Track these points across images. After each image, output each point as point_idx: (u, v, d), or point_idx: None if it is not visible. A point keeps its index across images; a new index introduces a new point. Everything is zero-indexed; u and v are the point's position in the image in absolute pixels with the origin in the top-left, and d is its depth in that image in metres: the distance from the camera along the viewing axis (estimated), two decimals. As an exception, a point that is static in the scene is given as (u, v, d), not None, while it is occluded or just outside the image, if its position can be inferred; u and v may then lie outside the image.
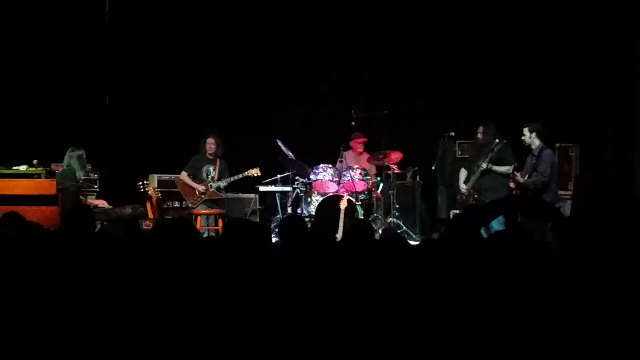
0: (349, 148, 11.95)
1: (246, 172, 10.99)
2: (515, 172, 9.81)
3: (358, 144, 11.89)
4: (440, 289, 4.10)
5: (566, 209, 10.43)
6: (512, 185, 9.84)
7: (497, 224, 9.49)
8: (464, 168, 10.48)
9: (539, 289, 3.93)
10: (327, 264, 4.75)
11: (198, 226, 10.49)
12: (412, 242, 11.02)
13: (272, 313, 4.01)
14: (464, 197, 10.35)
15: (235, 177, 11.03)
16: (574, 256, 4.43)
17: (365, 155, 11.88)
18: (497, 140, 10.02)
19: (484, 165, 10.03)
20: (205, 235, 10.00)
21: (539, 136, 9.79)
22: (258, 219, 11.97)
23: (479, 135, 10.24)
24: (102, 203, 10.33)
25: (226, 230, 5.20)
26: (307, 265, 4.65)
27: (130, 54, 12.46)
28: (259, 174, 11.07)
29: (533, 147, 9.80)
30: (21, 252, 4.55)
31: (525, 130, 9.79)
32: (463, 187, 10.30)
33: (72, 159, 10.13)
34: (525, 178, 9.69)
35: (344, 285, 4.27)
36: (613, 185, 10.87)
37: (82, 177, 10.23)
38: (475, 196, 10.15)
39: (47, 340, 3.86)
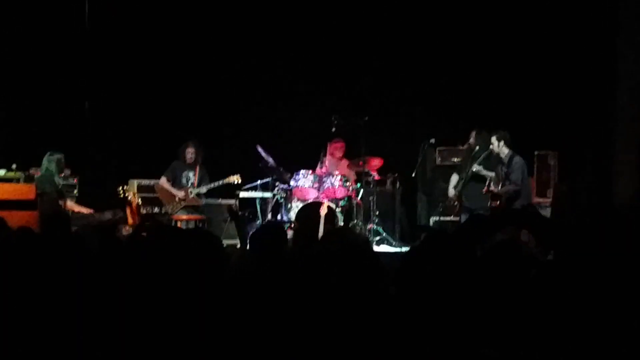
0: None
1: (226, 179, 10.97)
2: (492, 184, 9.84)
3: (336, 149, 11.87)
4: (424, 297, 4.10)
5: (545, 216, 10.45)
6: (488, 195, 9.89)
7: None
8: (456, 173, 10.51)
9: (526, 299, 3.95)
10: (306, 271, 4.74)
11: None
12: (391, 249, 11.11)
13: (249, 320, 4.00)
14: (450, 202, 10.40)
15: (216, 184, 11.00)
16: (559, 265, 4.44)
17: (345, 162, 11.87)
18: (490, 147, 10.04)
19: (475, 168, 10.07)
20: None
21: (506, 144, 9.85)
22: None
23: (471, 140, 10.28)
24: (87, 210, 10.27)
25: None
26: (284, 272, 4.65)
27: (109, 60, 12.45)
28: (240, 181, 11.05)
29: (502, 155, 9.84)
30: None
31: (493, 139, 9.86)
32: (451, 192, 10.35)
33: (50, 163, 10.08)
34: (499, 188, 9.73)
35: (323, 292, 4.27)
36: (592, 192, 10.92)
37: (61, 182, 10.18)
38: (455, 203, 10.20)
39: (23, 345, 3.84)
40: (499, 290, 4.03)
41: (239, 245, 6.75)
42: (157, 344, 3.84)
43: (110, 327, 3.93)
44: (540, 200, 11.47)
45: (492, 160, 10.05)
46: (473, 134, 10.32)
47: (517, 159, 9.82)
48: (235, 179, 10.96)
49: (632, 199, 10.37)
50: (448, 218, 11.34)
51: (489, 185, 9.81)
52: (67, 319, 3.98)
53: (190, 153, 10.94)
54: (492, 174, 9.97)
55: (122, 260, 4.45)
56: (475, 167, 10.07)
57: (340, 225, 10.74)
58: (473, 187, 10.09)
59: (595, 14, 11.15)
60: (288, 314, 4.00)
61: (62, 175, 10.32)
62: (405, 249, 10.69)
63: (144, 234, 5.61)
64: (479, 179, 10.04)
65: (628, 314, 3.80)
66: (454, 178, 10.47)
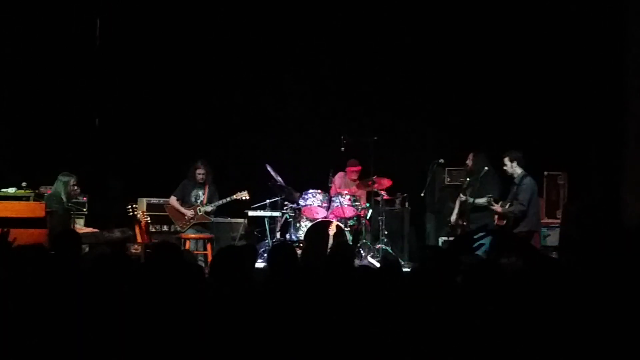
0: (339, 171, 11.94)
1: (234, 195, 10.96)
2: (493, 203, 9.82)
3: (352, 171, 11.87)
4: (426, 316, 4.10)
5: (554, 237, 10.46)
6: (496, 217, 9.88)
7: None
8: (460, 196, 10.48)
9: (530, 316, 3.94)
10: (315, 289, 4.75)
11: (186, 250, 10.45)
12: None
13: (259, 339, 4.01)
14: (453, 225, 10.40)
15: (224, 201, 10.99)
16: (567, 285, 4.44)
17: (356, 182, 11.87)
18: (486, 168, 10.06)
19: (463, 198, 10.09)
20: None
21: (520, 164, 9.83)
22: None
23: (468, 162, 10.27)
24: (92, 230, 10.29)
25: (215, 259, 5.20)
26: (295, 291, 4.66)
27: (119, 78, 12.49)
28: (248, 197, 11.04)
29: (515, 175, 9.82)
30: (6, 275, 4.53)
31: (506, 160, 9.83)
32: (453, 217, 10.36)
33: (58, 183, 10.13)
34: (506, 207, 9.71)
35: (332, 310, 4.28)
36: (601, 213, 10.89)
37: (69, 203, 10.20)
38: (464, 223, 10.19)
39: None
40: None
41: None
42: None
43: (118, 344, 3.94)
44: (550, 220, 11.44)
45: (485, 182, 10.03)
46: (471, 155, 10.28)
47: (528, 180, 9.80)
48: (244, 195, 10.96)
49: (640, 218, 10.36)
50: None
51: (491, 204, 9.77)
52: (73, 336, 4.00)
53: (200, 173, 10.94)
54: (481, 201, 9.93)
55: (132, 277, 4.47)
56: (464, 198, 10.09)
57: (340, 240, 10.69)
58: (476, 209, 10.07)
59: (603, 34, 11.16)
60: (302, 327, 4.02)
61: (71, 197, 10.30)
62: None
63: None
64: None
65: (636, 333, 3.80)
66: (457, 203, 10.46)
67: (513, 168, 9.81)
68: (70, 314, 4.13)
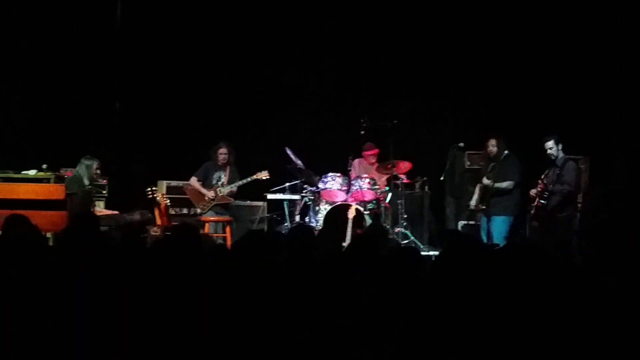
0: (357, 156, 11.92)
1: (255, 175, 10.95)
2: (543, 180, 9.72)
3: (369, 155, 11.85)
4: (447, 301, 4.09)
5: (574, 222, 10.39)
6: (532, 192, 9.81)
7: (497, 234, 9.51)
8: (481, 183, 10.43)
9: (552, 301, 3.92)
10: (334, 273, 4.75)
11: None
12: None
13: (278, 321, 4.01)
14: (473, 210, 10.38)
15: (244, 181, 10.97)
16: (590, 270, 4.41)
17: (375, 165, 11.85)
18: (506, 152, 10.02)
19: (487, 181, 10.04)
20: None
21: (563, 148, 9.76)
22: (266, 227, 12.00)
23: (493, 149, 10.17)
24: (112, 213, 10.32)
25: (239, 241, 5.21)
26: (314, 274, 4.66)
27: (141, 60, 12.49)
28: (268, 177, 11.03)
29: (557, 158, 9.73)
30: (25, 255, 4.55)
31: (551, 143, 9.71)
32: (472, 204, 10.33)
33: (81, 166, 10.18)
34: (551, 187, 9.62)
35: (349, 294, 4.27)
36: (623, 197, 10.82)
37: (87, 185, 10.23)
38: (484, 207, 10.15)
39: (48, 343, 3.86)
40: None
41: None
42: (183, 343, 3.85)
43: (135, 325, 3.95)
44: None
45: (506, 166, 9.99)
46: (493, 141, 10.19)
47: (571, 163, 9.75)
48: (264, 175, 10.95)
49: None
50: (475, 222, 11.25)
51: (544, 180, 9.70)
52: (88, 317, 4.01)
53: (222, 154, 10.94)
54: (505, 184, 9.90)
55: (149, 259, 4.48)
56: (487, 182, 10.03)
57: (373, 223, 10.69)
58: (496, 193, 10.02)
59: (626, 17, 11.07)
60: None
61: (93, 181, 10.34)
62: (433, 252, 10.64)
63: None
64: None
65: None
66: (477, 190, 10.41)
67: (558, 151, 9.74)
68: (86, 293, 4.15)
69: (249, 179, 10.96)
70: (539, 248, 4.59)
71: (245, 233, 5.54)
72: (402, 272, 4.54)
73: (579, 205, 10.48)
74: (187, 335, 3.85)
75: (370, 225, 10.66)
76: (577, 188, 9.70)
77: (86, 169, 10.14)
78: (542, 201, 9.66)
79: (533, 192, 9.84)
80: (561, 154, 9.74)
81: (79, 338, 3.83)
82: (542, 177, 9.76)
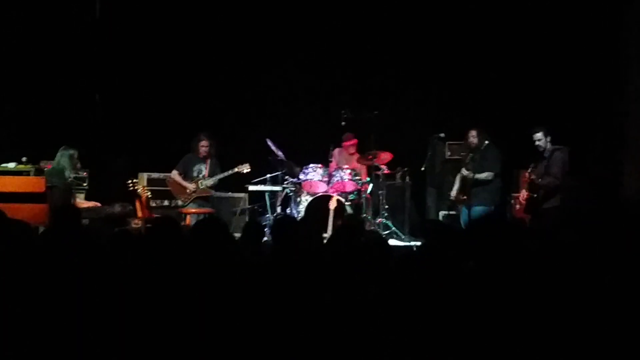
0: (338, 147, 11.93)
1: (236, 168, 10.93)
2: (531, 173, 9.77)
3: (349, 145, 11.87)
4: (425, 292, 4.11)
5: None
6: (522, 193, 9.85)
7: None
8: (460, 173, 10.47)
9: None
10: (318, 263, 4.76)
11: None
12: (400, 243, 11.10)
13: (264, 312, 4.02)
14: (454, 200, 10.42)
15: (225, 174, 10.95)
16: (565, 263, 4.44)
17: (356, 156, 11.87)
18: (486, 142, 10.06)
19: (465, 172, 10.08)
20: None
21: (551, 139, 9.81)
22: (247, 219, 12.00)
23: (473, 140, 10.20)
24: (94, 205, 10.29)
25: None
26: (299, 265, 4.67)
27: (120, 51, 12.43)
28: (249, 170, 11.02)
29: (546, 150, 9.77)
30: (7, 251, 4.53)
31: (540, 135, 9.74)
32: (453, 192, 10.36)
33: (62, 157, 10.08)
34: (539, 180, 9.68)
35: (334, 285, 4.29)
36: (601, 187, 10.90)
37: (71, 176, 10.19)
38: (464, 197, 10.19)
39: (33, 339, 3.85)
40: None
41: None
42: (168, 337, 3.86)
43: (121, 319, 3.95)
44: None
45: (485, 157, 10.03)
46: (474, 132, 10.22)
47: (559, 154, 9.78)
48: (245, 168, 10.94)
49: (638, 194, 10.38)
50: (455, 212, 11.29)
51: (531, 175, 9.75)
52: (74, 312, 4.00)
53: (204, 146, 10.90)
54: (483, 175, 9.95)
55: (132, 253, 4.48)
56: (465, 173, 10.07)
57: (349, 214, 10.72)
58: (476, 184, 10.06)
59: (604, 9, 11.14)
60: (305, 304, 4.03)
61: (75, 171, 10.30)
62: (414, 243, 10.69)
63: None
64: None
65: (633, 306, 3.81)
66: (458, 178, 10.45)
67: (547, 143, 9.77)
68: (69, 288, 4.14)
69: (230, 172, 10.94)
70: (513, 220, 4.64)
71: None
72: (370, 264, 4.58)
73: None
74: (179, 329, 3.85)
75: (346, 216, 10.68)
76: (563, 179, 9.73)
77: (69, 160, 10.05)
78: (533, 194, 9.71)
79: (524, 193, 9.87)
80: (549, 146, 9.79)
81: (66, 334, 3.83)
82: (530, 170, 9.79)
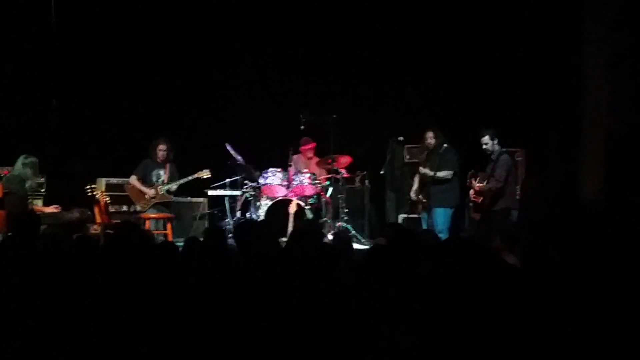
0: (297, 152, 11.95)
1: (196, 174, 10.89)
2: (473, 180, 9.88)
3: (307, 149, 11.89)
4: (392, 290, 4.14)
5: (513, 214, 10.55)
6: (471, 193, 9.93)
7: (440, 226, 9.63)
8: (417, 174, 10.53)
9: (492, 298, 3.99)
10: (278, 266, 4.77)
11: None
12: (359, 246, 11.12)
13: (227, 315, 4.02)
14: (413, 201, 10.47)
15: (185, 180, 10.90)
16: (526, 266, 4.49)
17: (315, 160, 11.90)
18: (445, 145, 10.13)
19: (423, 171, 10.13)
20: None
21: (499, 142, 9.87)
22: (207, 224, 11.98)
23: (431, 141, 10.27)
24: (56, 208, 10.18)
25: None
26: (264, 268, 4.68)
27: (77, 56, 12.33)
28: (210, 176, 10.99)
29: (493, 152, 9.85)
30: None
31: (486, 138, 9.78)
32: (412, 194, 10.41)
33: (24, 166, 9.91)
34: (484, 184, 9.76)
35: (296, 286, 4.30)
36: (559, 189, 11.02)
37: (34, 185, 10.07)
38: (424, 200, 10.25)
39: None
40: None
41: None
42: (132, 342, 3.84)
43: (84, 325, 3.93)
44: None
45: (444, 158, 10.11)
46: (431, 134, 10.28)
47: (504, 157, 9.81)
48: (205, 174, 10.91)
49: (597, 194, 10.49)
50: (415, 215, 11.34)
51: (470, 180, 9.84)
52: (38, 319, 3.98)
53: (162, 150, 10.83)
54: (443, 174, 10.02)
55: (95, 259, 4.45)
56: (425, 171, 10.14)
57: (308, 219, 10.75)
58: (435, 185, 10.13)
59: (562, 10, 11.26)
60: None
61: (35, 178, 10.19)
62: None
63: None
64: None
65: (594, 307, 3.86)
66: (416, 180, 10.50)
67: (493, 146, 9.83)
68: (30, 296, 4.11)
69: (189, 178, 10.89)
70: (478, 244, 4.67)
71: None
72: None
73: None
74: (143, 335, 3.84)
75: (304, 221, 10.70)
76: (505, 182, 9.77)
77: (31, 169, 9.91)
78: (479, 197, 9.81)
79: (471, 193, 9.95)
80: (497, 148, 9.85)
81: (27, 336, 3.80)
82: (469, 176, 9.88)
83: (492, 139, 9.78)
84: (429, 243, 5.38)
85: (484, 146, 9.81)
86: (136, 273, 4.24)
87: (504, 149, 9.91)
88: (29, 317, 3.90)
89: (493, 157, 9.80)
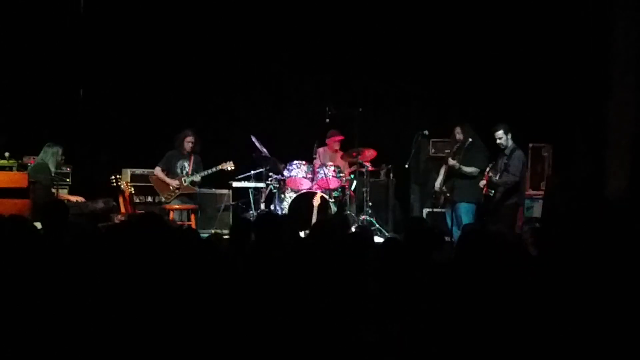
0: (322, 145, 11.94)
1: (220, 166, 10.92)
2: (489, 173, 9.85)
3: (334, 142, 11.88)
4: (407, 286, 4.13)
5: (537, 208, 10.51)
6: (482, 183, 9.87)
7: (465, 221, 9.58)
8: (444, 166, 10.49)
9: (514, 291, 3.96)
10: (299, 259, 4.77)
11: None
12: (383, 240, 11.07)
13: (245, 307, 4.02)
14: (437, 196, 10.42)
15: (209, 171, 10.92)
16: (549, 259, 4.46)
17: (340, 153, 11.88)
18: (470, 140, 10.07)
19: (452, 162, 10.09)
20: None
21: (512, 137, 9.88)
22: (231, 215, 12.00)
23: (459, 136, 10.23)
24: (78, 199, 10.24)
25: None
26: (280, 260, 4.68)
27: (105, 47, 12.38)
28: (233, 168, 11.01)
29: (507, 147, 9.84)
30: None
31: (500, 133, 9.83)
32: (437, 185, 10.38)
33: (46, 153, 10.04)
34: (497, 178, 9.75)
35: (315, 281, 4.29)
36: (585, 185, 10.93)
37: (54, 171, 10.15)
38: (448, 194, 10.20)
39: (22, 333, 3.84)
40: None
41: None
42: (156, 333, 3.85)
43: (109, 313, 3.94)
44: (534, 192, 11.49)
45: (471, 153, 10.06)
46: (458, 129, 10.25)
47: (518, 152, 9.85)
48: (229, 165, 10.93)
49: (624, 191, 10.41)
50: (439, 209, 11.29)
51: (489, 173, 9.80)
52: (68, 308, 4.00)
53: (189, 142, 10.87)
54: (469, 169, 9.97)
55: (116, 249, 4.46)
56: (452, 162, 10.09)
57: (334, 213, 10.75)
58: (459, 179, 10.08)
59: (590, 6, 11.17)
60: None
61: (59, 167, 10.26)
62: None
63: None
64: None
65: (619, 304, 3.83)
66: (442, 171, 10.47)
67: (507, 140, 9.84)
68: (57, 284, 4.13)
69: (214, 169, 10.92)
70: (495, 235, 4.65)
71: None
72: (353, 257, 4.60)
73: (534, 192, 10.62)
74: (165, 325, 3.85)
75: (334, 214, 10.71)
76: (521, 178, 9.78)
77: (52, 156, 10.03)
78: (490, 191, 9.76)
79: (482, 183, 9.90)
80: (510, 143, 9.86)
81: (54, 328, 3.82)
82: (489, 169, 9.83)
83: (505, 133, 9.84)
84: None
85: (498, 140, 9.86)
86: (156, 262, 4.25)
87: (516, 145, 9.89)
88: (59, 304, 3.92)
89: (507, 151, 9.81)
